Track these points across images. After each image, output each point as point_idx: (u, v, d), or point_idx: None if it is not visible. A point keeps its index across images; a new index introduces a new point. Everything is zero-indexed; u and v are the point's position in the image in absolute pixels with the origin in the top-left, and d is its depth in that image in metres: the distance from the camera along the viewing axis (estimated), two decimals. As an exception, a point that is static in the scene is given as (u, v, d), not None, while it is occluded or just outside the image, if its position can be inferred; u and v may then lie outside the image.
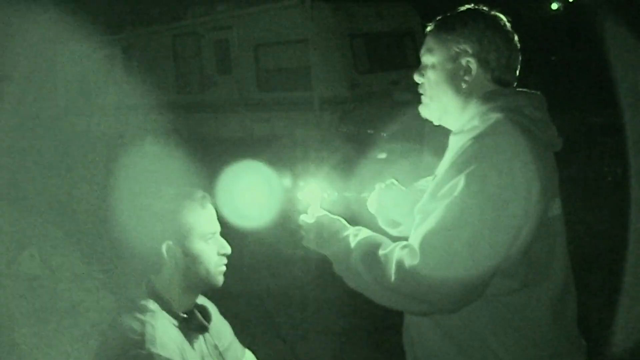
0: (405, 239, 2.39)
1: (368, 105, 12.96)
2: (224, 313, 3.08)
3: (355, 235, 2.48)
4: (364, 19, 14.12)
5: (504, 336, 2.34)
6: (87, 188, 13.15)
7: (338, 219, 2.61)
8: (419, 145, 9.67)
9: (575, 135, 10.90)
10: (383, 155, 11.18)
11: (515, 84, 2.54)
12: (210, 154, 16.40)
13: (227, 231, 2.78)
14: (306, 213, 2.67)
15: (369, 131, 11.98)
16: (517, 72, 2.54)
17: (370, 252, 2.37)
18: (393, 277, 2.24)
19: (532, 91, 2.49)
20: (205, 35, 16.70)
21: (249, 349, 3.15)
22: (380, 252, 2.34)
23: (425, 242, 2.22)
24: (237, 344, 3.11)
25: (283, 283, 7.23)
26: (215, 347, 2.91)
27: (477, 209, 2.18)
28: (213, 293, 2.85)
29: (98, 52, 20.66)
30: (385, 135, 11.51)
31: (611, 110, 11.41)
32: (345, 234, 2.51)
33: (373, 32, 14.20)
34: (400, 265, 2.24)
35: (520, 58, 2.53)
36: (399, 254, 2.27)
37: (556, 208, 2.43)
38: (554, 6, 21.43)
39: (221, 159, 15.58)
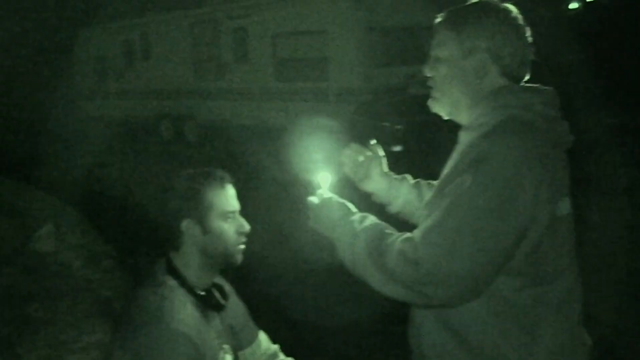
0: (412, 225, 2.41)
1: (383, 98, 12.97)
2: (240, 294, 3.12)
3: (361, 222, 2.46)
4: (383, 13, 14.12)
5: (509, 334, 2.33)
6: (105, 168, 13.25)
7: (345, 203, 2.59)
8: (433, 139, 9.66)
9: (592, 136, 10.85)
10: (398, 148, 11.18)
11: (527, 79, 2.48)
12: (224, 140, 16.46)
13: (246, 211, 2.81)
14: (314, 195, 2.68)
15: (383, 124, 11.97)
16: (530, 68, 2.48)
17: (374, 240, 2.36)
18: (393, 268, 2.25)
19: (545, 87, 2.44)
20: (224, 22, 16.72)
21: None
22: (384, 241, 2.34)
23: (427, 236, 2.22)
24: (251, 325, 3.15)
25: (301, 268, 7.25)
26: (230, 326, 2.97)
27: (483, 207, 2.18)
28: (232, 272, 2.87)
29: (116, 37, 20.71)
30: (400, 128, 11.51)
31: (629, 112, 11.33)
32: (351, 219, 2.50)
33: (391, 25, 14.21)
34: (401, 256, 2.24)
35: (533, 53, 2.48)
36: (401, 245, 2.27)
37: (566, 207, 2.39)
38: (573, 6, 21.30)
39: (235, 145, 15.68)
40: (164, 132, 19.35)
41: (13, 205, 9.25)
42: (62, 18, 20.17)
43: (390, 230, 2.41)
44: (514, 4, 2.47)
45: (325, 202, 2.62)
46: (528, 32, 2.46)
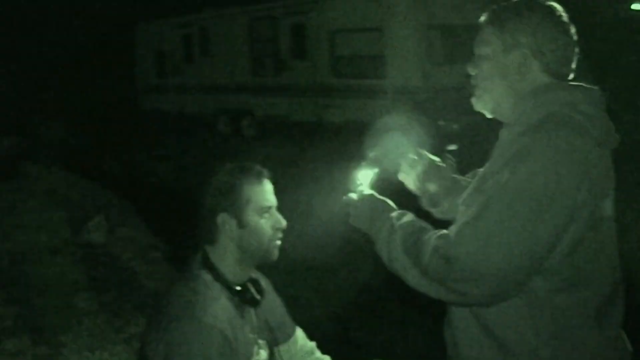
0: (450, 223, 2.38)
1: (441, 96, 12.88)
2: (279, 289, 3.11)
3: (399, 219, 2.45)
4: (443, 10, 14.02)
5: (545, 336, 2.29)
6: (160, 162, 13.39)
7: (385, 200, 2.59)
8: (489, 139, 9.57)
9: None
10: (453, 147, 11.12)
11: (572, 77, 2.44)
12: (281, 136, 16.51)
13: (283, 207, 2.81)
14: (355, 192, 2.67)
15: (440, 122, 11.91)
16: (574, 65, 2.44)
17: (410, 236, 2.35)
18: (428, 264, 2.23)
19: (589, 86, 2.39)
20: (282, 19, 16.75)
21: (301, 326, 3.18)
22: (420, 237, 2.32)
23: (462, 233, 2.20)
24: (288, 321, 3.14)
25: (342, 263, 7.23)
26: (266, 321, 2.96)
27: (520, 205, 2.14)
28: (268, 267, 2.87)
29: (175, 32, 20.89)
30: (456, 127, 11.45)
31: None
32: (390, 215, 2.49)
33: (450, 23, 14.09)
34: (435, 252, 2.22)
35: (576, 50, 2.43)
36: (436, 242, 2.25)
37: (608, 209, 2.35)
38: (636, 6, 20.86)
39: (292, 142, 15.71)
40: (222, 127, 19.44)
41: (67, 196, 9.38)
42: (123, 12, 20.37)
43: (428, 227, 2.39)
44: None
45: (364, 199, 2.61)
46: (572, 30, 2.41)
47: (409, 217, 2.47)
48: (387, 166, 2.91)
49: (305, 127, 16.16)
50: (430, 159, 2.92)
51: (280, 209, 2.82)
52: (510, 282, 2.18)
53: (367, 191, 2.64)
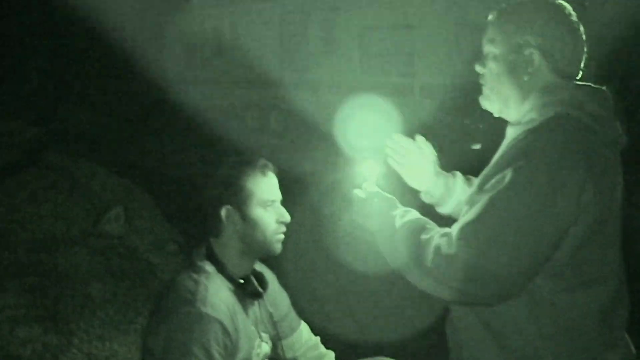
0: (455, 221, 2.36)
1: (468, 95, 12.81)
2: (286, 284, 3.14)
3: (402, 216, 2.45)
4: (472, 9, 13.94)
5: (549, 337, 2.28)
6: (182, 154, 13.42)
7: (390, 198, 2.58)
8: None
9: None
10: (477, 147, 11.09)
11: (580, 77, 2.44)
12: (309, 131, 16.52)
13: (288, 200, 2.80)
14: (360, 188, 2.65)
15: (465, 121, 11.87)
16: (582, 65, 2.44)
17: (413, 234, 2.34)
18: (429, 263, 2.22)
19: (597, 86, 2.39)
20: (312, 14, 16.73)
21: (309, 322, 3.23)
22: (423, 236, 2.31)
23: (463, 232, 2.18)
24: (293, 315, 3.17)
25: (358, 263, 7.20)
26: (270, 315, 2.98)
27: (522, 205, 2.12)
28: (272, 260, 2.92)
29: (205, 24, 20.95)
30: (482, 127, 11.41)
31: None
32: (394, 213, 2.48)
33: (480, 22, 13.99)
34: (437, 251, 2.21)
35: (585, 50, 2.43)
36: (438, 241, 2.24)
37: (614, 210, 2.33)
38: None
39: (319, 137, 15.71)
40: (250, 121, 19.47)
41: (88, 187, 9.45)
42: (153, 4, 20.42)
43: (431, 225, 2.39)
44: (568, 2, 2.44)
45: (369, 196, 2.60)
46: (581, 29, 2.40)
47: (412, 214, 2.47)
48: (391, 161, 2.89)
49: (332, 122, 16.15)
50: (434, 155, 2.91)
51: (284, 203, 2.85)
52: (512, 283, 2.16)
53: (372, 188, 2.63)
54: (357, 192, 2.62)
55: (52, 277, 6.51)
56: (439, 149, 2.91)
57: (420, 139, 2.89)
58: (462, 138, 11.32)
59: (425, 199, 2.95)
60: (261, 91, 18.81)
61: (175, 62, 22.64)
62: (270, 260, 2.95)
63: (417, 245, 2.29)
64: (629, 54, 13.42)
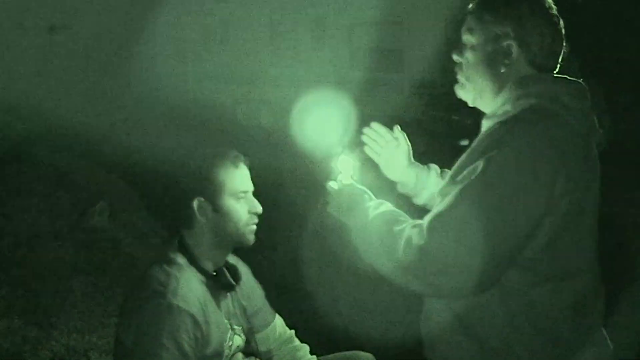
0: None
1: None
2: (265, 280, 3.15)
3: (376, 208, 2.44)
4: (461, 4, 13.97)
5: (522, 331, 2.27)
6: (168, 151, 13.34)
7: (364, 190, 2.57)
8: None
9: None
10: (466, 142, 11.09)
11: (557, 70, 2.42)
12: (300, 126, 16.50)
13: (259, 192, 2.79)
14: (335, 181, 2.64)
15: (453, 117, 11.91)
16: (560, 59, 2.42)
17: (385, 226, 2.33)
18: (401, 255, 2.20)
19: (573, 79, 2.37)
20: (302, 11, 16.77)
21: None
22: (395, 227, 2.29)
23: (434, 223, 2.17)
24: (267, 309, 3.17)
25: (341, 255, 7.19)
26: (243, 308, 2.97)
27: (492, 195, 2.11)
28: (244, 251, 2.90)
29: (195, 21, 20.94)
30: (469, 122, 11.42)
31: None
32: (367, 205, 2.47)
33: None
34: (408, 242, 2.19)
35: (564, 43, 2.41)
36: (410, 232, 2.22)
37: (590, 203, 2.32)
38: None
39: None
40: (241, 117, 19.48)
41: (73, 180, 9.46)
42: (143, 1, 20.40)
43: (404, 217, 2.37)
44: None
45: (343, 188, 2.60)
46: (561, 22, 2.39)
47: (386, 206, 2.46)
48: (366, 153, 2.90)
49: (322, 117, 16.14)
50: (409, 146, 2.93)
51: (255, 194, 2.84)
52: (483, 274, 2.14)
53: (346, 180, 2.62)
54: (331, 185, 2.62)
55: (35, 270, 6.53)
56: (428, 144, 2.92)
57: (397, 129, 2.90)
58: (451, 133, 11.34)
59: (401, 189, 2.96)
60: (251, 87, 18.83)
61: (165, 59, 22.64)
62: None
63: (389, 236, 2.28)
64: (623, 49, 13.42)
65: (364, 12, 15.03)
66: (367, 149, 2.93)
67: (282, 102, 17.64)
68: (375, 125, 2.92)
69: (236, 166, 2.79)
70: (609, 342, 2.47)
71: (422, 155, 3.05)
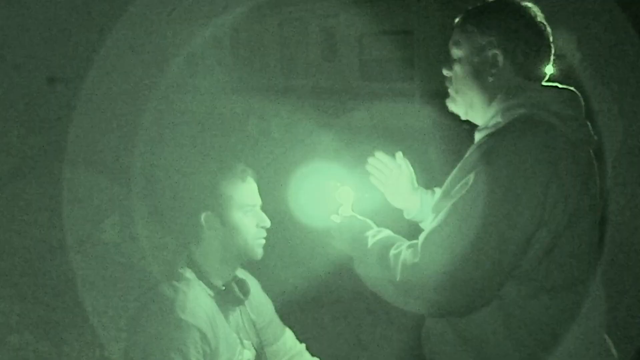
0: None
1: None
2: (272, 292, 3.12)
3: (374, 236, 2.43)
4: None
5: (523, 344, 2.26)
6: (180, 162, 13.39)
7: (365, 221, 2.56)
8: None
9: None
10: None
11: (546, 79, 2.42)
12: (311, 138, 16.54)
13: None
14: (337, 213, 2.63)
15: (464, 126, 11.88)
16: (549, 67, 2.42)
17: (383, 251, 2.32)
18: (399, 277, 2.20)
19: (564, 87, 2.37)
20: (312, 22, 16.78)
21: (292, 328, 3.18)
22: (392, 251, 2.29)
23: (427, 241, 2.16)
24: (277, 322, 3.14)
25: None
26: (253, 322, 2.94)
27: (484, 209, 2.10)
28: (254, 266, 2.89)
29: (205, 32, 20.98)
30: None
31: None
32: (366, 234, 2.47)
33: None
34: (404, 263, 2.19)
35: (552, 51, 2.41)
36: (405, 253, 2.22)
37: (587, 210, 2.28)
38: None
39: (320, 144, 15.72)
40: (251, 128, 19.48)
41: (86, 194, 9.49)
42: (154, 13, 20.50)
43: (402, 241, 2.35)
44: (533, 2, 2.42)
45: (344, 221, 2.59)
46: (548, 30, 2.39)
47: (384, 233, 2.46)
48: (373, 179, 2.89)
49: (333, 129, 16.15)
50: (412, 172, 2.90)
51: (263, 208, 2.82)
52: (480, 289, 2.14)
53: (347, 213, 2.62)
54: (333, 218, 2.61)
55: (46, 285, 6.53)
56: (439, 154, 2.91)
57: (399, 155, 2.87)
58: (462, 143, 11.31)
59: (407, 216, 2.94)
60: (262, 99, 18.83)
61: (178, 71, 22.70)
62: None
63: (387, 261, 2.27)
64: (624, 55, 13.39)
65: (374, 21, 15.03)
66: (372, 179, 2.91)
67: (293, 114, 17.67)
68: (379, 154, 2.88)
69: (244, 180, 2.78)
70: (613, 351, 2.45)
71: (433, 164, 3.04)
